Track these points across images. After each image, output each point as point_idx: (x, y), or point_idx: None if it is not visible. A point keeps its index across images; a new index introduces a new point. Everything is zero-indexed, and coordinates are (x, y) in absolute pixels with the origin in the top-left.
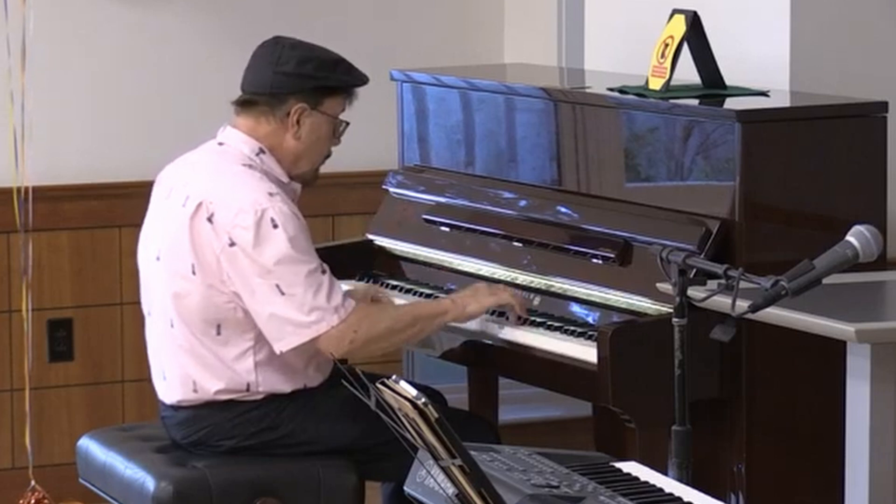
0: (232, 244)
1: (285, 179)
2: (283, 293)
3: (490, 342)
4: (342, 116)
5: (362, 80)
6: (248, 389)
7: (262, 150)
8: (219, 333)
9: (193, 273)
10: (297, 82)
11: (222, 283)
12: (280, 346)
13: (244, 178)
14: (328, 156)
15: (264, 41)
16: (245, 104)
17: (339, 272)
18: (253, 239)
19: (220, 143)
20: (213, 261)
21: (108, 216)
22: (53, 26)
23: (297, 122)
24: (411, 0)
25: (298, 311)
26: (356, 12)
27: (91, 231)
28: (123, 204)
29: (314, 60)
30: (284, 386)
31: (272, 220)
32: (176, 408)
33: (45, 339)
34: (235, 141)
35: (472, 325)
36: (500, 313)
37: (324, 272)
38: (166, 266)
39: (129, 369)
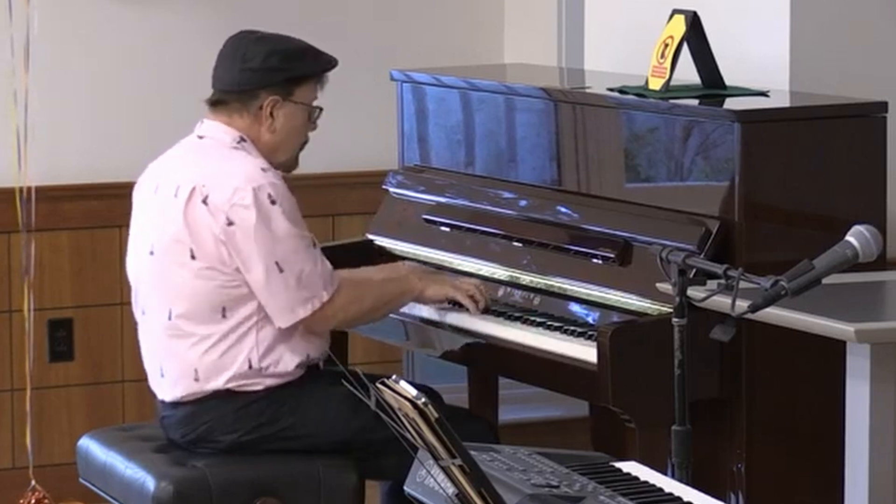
0: (230, 223)
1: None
2: (281, 270)
3: (490, 342)
4: (316, 102)
5: (331, 63)
6: (250, 368)
7: (242, 139)
8: (224, 316)
9: (193, 258)
10: (266, 76)
11: (223, 264)
12: (280, 322)
13: (235, 158)
14: (305, 142)
15: (230, 37)
16: (217, 103)
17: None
18: (253, 217)
19: (201, 137)
20: (212, 242)
21: (109, 216)
22: (56, 27)
23: (271, 114)
24: (411, 0)
25: (296, 287)
26: (356, 12)
27: (91, 231)
28: (124, 204)
29: (280, 52)
30: (287, 361)
31: (269, 195)
32: (176, 404)
33: (46, 339)
34: (216, 132)
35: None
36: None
37: (314, 245)
38: (162, 258)
39: (129, 369)
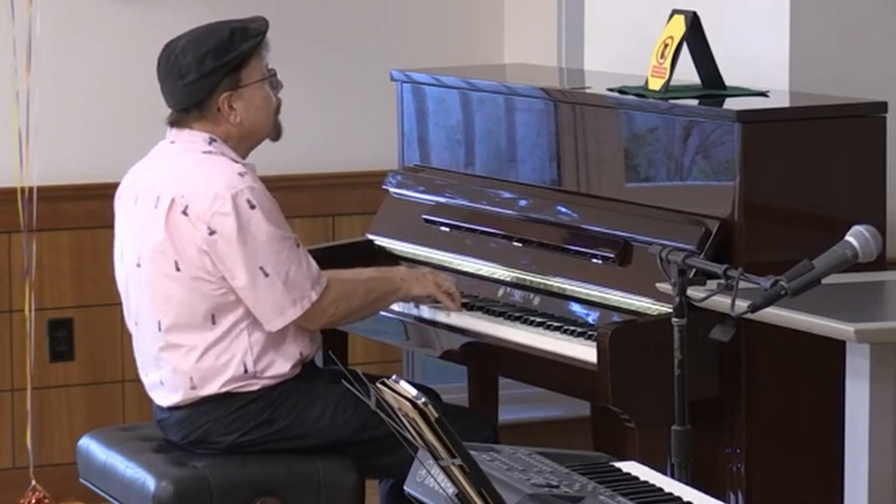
0: (212, 232)
1: (241, 162)
2: (266, 274)
3: (490, 342)
4: (270, 66)
5: (261, 30)
6: (245, 372)
7: (213, 139)
8: (214, 323)
9: (178, 269)
10: (208, 82)
11: (208, 273)
12: (271, 326)
13: (210, 164)
14: (279, 106)
15: (158, 57)
16: (176, 122)
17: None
18: (234, 224)
19: (172, 142)
20: (195, 253)
21: (109, 216)
22: (58, 27)
23: (230, 108)
24: (411, 0)
25: (283, 291)
26: (356, 12)
27: (92, 231)
28: None
29: (209, 52)
30: (281, 361)
31: (248, 200)
32: (173, 408)
33: (46, 339)
34: (187, 136)
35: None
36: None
37: (298, 245)
38: (149, 270)
39: (130, 369)
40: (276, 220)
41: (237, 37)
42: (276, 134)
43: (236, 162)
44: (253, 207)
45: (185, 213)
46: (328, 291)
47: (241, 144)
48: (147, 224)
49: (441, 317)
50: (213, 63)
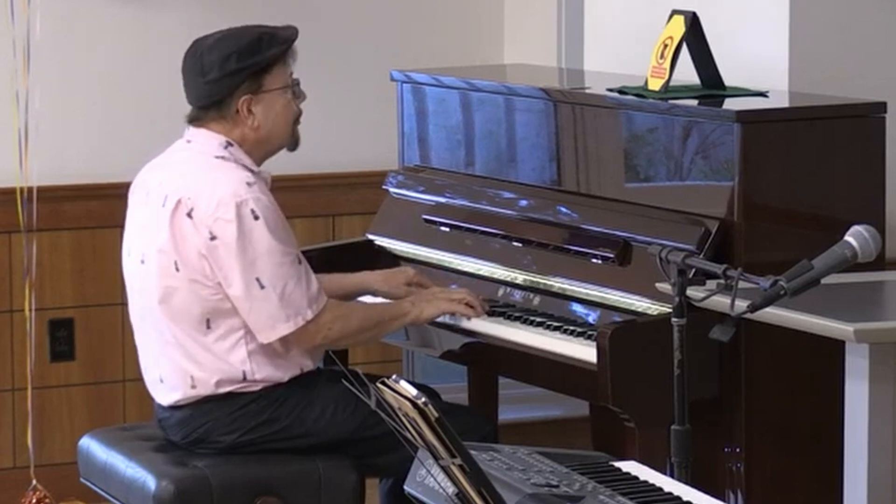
0: (213, 238)
1: (256, 169)
2: (262, 286)
3: (490, 342)
4: (294, 75)
5: (290, 38)
6: (244, 378)
7: (229, 143)
8: (209, 327)
9: (177, 269)
10: (229, 82)
11: (205, 278)
12: (262, 338)
13: (220, 170)
14: (299, 115)
15: (185, 52)
16: (195, 119)
17: (339, 272)
18: (235, 232)
19: (189, 141)
20: (195, 256)
21: (109, 216)
22: (58, 27)
23: (249, 111)
24: (411, 0)
25: (278, 305)
26: (356, 12)
27: (92, 231)
28: (124, 204)
29: (234, 53)
30: (280, 373)
31: (252, 210)
32: (174, 408)
33: (47, 339)
34: (203, 137)
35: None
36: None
37: (300, 262)
38: (151, 268)
39: (130, 369)
40: (279, 234)
41: (265, 41)
42: (293, 144)
43: (248, 170)
44: (257, 218)
45: (189, 215)
46: (325, 312)
47: (257, 150)
48: (153, 221)
49: (448, 318)
50: (237, 64)
